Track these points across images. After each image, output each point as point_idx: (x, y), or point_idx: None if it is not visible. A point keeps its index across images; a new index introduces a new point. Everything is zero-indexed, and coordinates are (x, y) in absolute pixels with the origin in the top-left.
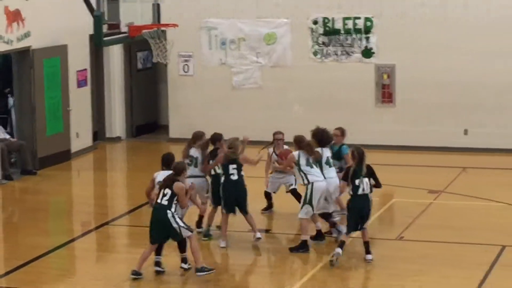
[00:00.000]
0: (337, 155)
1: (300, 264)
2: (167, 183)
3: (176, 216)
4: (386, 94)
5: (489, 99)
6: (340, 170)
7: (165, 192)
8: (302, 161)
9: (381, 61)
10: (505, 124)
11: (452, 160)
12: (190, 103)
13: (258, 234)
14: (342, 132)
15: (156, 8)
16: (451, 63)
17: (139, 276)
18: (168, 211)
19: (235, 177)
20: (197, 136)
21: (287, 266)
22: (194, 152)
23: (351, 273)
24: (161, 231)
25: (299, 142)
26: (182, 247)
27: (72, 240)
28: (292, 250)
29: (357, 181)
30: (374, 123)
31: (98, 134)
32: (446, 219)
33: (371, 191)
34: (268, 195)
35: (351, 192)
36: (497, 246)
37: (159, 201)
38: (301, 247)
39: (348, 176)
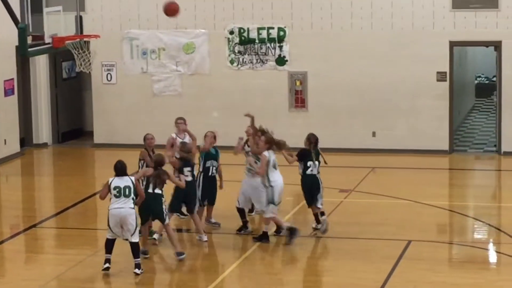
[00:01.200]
0: None
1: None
2: (158, 176)
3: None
4: (299, 99)
5: (395, 104)
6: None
7: (158, 182)
8: (270, 162)
9: (293, 68)
10: (410, 126)
11: (361, 161)
12: (113, 110)
13: (204, 237)
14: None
15: (79, 20)
16: (359, 69)
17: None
18: (163, 199)
19: (189, 179)
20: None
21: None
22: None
23: (266, 269)
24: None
25: (269, 142)
26: (135, 253)
27: (1, 242)
28: (255, 239)
29: (309, 163)
30: (288, 127)
31: (25, 140)
32: (356, 216)
33: (318, 172)
34: (241, 212)
35: (301, 172)
36: (403, 241)
37: (150, 191)
38: (262, 237)
39: (302, 156)
